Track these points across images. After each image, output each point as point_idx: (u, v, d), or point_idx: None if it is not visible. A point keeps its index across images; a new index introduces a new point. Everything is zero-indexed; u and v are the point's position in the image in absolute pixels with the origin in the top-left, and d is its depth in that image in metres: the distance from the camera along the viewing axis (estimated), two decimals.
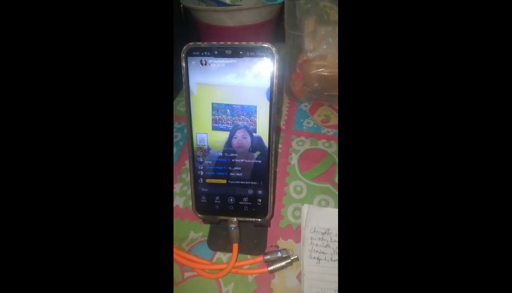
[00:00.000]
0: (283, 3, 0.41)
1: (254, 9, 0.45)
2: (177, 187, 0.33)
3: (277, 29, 0.53)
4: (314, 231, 0.28)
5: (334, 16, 0.37)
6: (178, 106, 0.45)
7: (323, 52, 0.39)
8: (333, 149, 0.37)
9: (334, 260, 0.26)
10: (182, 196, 0.32)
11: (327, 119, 0.42)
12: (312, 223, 0.29)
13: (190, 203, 0.31)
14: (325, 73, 0.40)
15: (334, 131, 0.39)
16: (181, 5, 0.52)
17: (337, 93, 0.41)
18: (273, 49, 0.21)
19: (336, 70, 0.39)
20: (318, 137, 0.39)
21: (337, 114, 0.42)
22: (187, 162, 0.36)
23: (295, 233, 0.29)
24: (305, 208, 0.30)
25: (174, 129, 0.41)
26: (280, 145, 0.38)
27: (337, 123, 0.41)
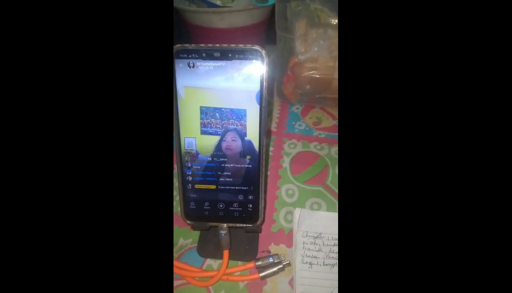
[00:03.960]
0: (274, 5, 0.41)
1: (245, 11, 0.44)
2: None
3: (268, 31, 0.53)
4: (306, 235, 0.28)
5: (325, 18, 0.37)
6: None
7: (314, 54, 0.38)
8: (325, 151, 0.37)
9: (326, 265, 0.26)
10: None
11: (318, 121, 0.42)
12: (304, 227, 0.28)
13: (179, 208, 0.31)
14: (317, 76, 0.40)
15: (325, 134, 0.39)
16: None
17: (328, 95, 0.41)
18: (263, 52, 0.21)
19: (327, 73, 0.39)
20: (309, 140, 0.38)
21: (328, 117, 0.42)
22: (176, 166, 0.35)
23: (287, 238, 0.28)
24: (297, 212, 0.29)
25: None
26: (271, 148, 0.37)
27: (328, 125, 0.41)
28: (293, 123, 0.41)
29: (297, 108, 0.44)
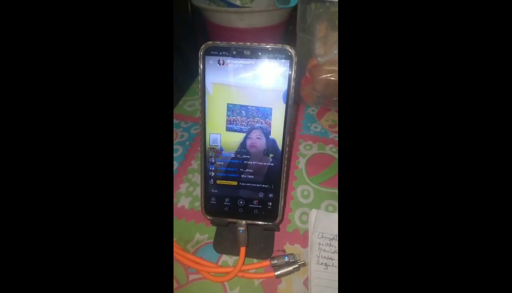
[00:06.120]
0: (294, 7, 0.41)
1: (265, 12, 0.45)
2: (183, 187, 0.33)
3: (286, 32, 0.53)
4: (322, 237, 0.28)
5: None
6: (185, 106, 0.45)
7: (333, 57, 0.39)
8: None
9: None
10: (188, 196, 0.32)
11: (334, 124, 0.42)
12: (320, 228, 0.28)
13: (196, 204, 0.31)
14: (334, 79, 0.40)
15: None
16: (189, 4, 0.52)
17: None
18: (292, 52, 0.21)
19: None
20: (325, 142, 0.39)
21: None
22: (193, 162, 0.36)
23: (302, 238, 0.28)
24: (313, 213, 0.29)
25: (180, 129, 0.40)
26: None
27: None
28: (309, 124, 0.41)
29: (313, 110, 0.44)
